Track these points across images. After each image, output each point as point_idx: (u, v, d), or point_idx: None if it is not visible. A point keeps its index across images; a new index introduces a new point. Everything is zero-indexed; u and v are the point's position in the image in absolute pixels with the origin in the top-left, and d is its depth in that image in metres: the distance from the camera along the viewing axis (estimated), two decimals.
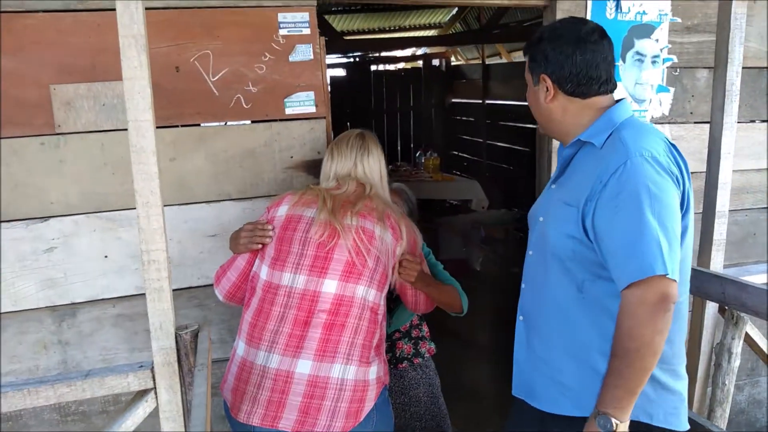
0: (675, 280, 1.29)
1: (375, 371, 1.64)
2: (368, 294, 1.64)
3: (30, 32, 1.92)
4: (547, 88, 1.49)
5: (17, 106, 1.94)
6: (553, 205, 1.52)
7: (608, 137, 1.43)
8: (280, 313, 1.61)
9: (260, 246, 1.71)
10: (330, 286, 1.60)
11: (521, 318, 1.63)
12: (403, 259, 1.72)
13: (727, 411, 2.17)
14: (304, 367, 1.57)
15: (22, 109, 1.94)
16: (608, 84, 1.49)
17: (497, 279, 4.92)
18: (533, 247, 1.60)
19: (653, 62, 2.60)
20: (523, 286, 1.64)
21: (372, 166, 1.83)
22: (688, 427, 1.48)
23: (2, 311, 2.02)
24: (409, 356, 2.07)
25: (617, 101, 1.51)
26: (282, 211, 1.73)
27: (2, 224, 1.98)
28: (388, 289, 1.73)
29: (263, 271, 1.67)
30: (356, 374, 1.59)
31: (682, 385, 1.49)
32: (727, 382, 2.13)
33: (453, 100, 8.28)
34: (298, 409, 1.54)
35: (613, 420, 1.30)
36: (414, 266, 1.72)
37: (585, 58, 1.44)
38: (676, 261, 1.32)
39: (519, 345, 1.63)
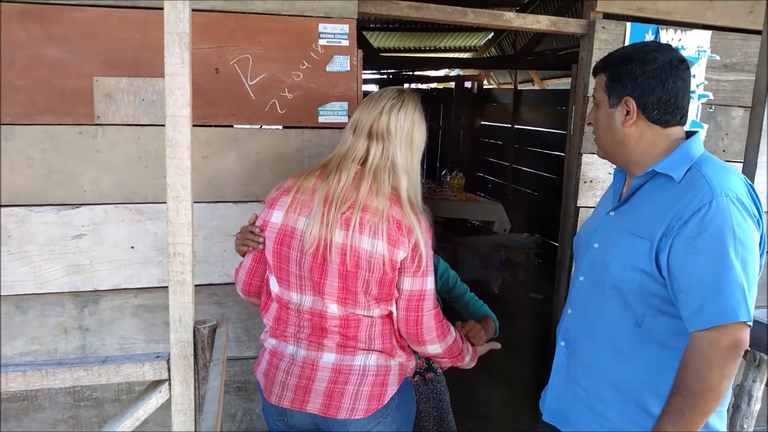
0: (750, 326, 1.27)
1: (397, 359, 1.66)
2: (370, 312, 1.61)
3: (78, 25, 1.98)
4: (628, 111, 1.43)
5: (59, 94, 1.99)
6: (614, 233, 1.47)
7: (687, 172, 1.38)
8: (297, 322, 1.65)
9: (250, 248, 1.68)
10: (333, 308, 1.60)
11: (563, 343, 1.60)
12: (465, 331, 1.82)
13: None
14: (328, 358, 1.62)
15: (63, 98, 2.00)
16: (686, 116, 1.46)
17: (515, 303, 4.88)
18: (585, 273, 1.55)
19: None
20: (569, 311, 1.60)
21: (401, 122, 1.59)
22: None
23: (27, 293, 2.06)
24: (421, 371, 2.06)
25: (689, 134, 1.47)
26: (276, 218, 1.62)
27: (33, 208, 2.03)
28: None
29: (273, 284, 1.68)
30: (378, 360, 1.63)
31: (723, 425, 1.46)
32: (745, 426, 2.09)
33: (482, 123, 8.30)
34: (323, 394, 1.60)
35: None
36: (479, 332, 1.84)
37: (677, 86, 1.40)
38: (753, 306, 1.29)
39: (557, 370, 1.61)
